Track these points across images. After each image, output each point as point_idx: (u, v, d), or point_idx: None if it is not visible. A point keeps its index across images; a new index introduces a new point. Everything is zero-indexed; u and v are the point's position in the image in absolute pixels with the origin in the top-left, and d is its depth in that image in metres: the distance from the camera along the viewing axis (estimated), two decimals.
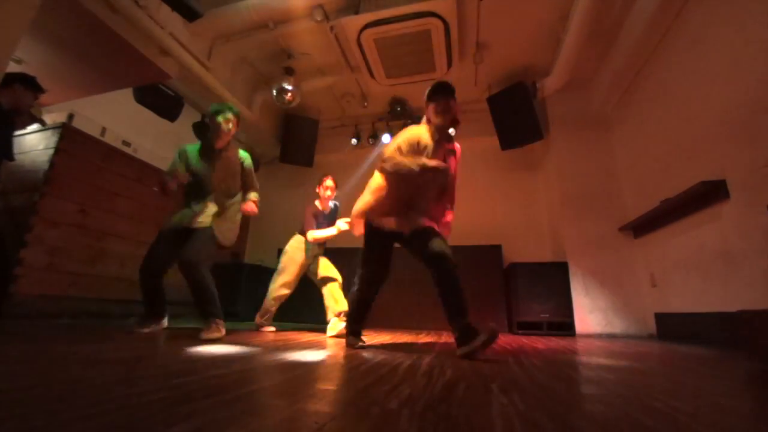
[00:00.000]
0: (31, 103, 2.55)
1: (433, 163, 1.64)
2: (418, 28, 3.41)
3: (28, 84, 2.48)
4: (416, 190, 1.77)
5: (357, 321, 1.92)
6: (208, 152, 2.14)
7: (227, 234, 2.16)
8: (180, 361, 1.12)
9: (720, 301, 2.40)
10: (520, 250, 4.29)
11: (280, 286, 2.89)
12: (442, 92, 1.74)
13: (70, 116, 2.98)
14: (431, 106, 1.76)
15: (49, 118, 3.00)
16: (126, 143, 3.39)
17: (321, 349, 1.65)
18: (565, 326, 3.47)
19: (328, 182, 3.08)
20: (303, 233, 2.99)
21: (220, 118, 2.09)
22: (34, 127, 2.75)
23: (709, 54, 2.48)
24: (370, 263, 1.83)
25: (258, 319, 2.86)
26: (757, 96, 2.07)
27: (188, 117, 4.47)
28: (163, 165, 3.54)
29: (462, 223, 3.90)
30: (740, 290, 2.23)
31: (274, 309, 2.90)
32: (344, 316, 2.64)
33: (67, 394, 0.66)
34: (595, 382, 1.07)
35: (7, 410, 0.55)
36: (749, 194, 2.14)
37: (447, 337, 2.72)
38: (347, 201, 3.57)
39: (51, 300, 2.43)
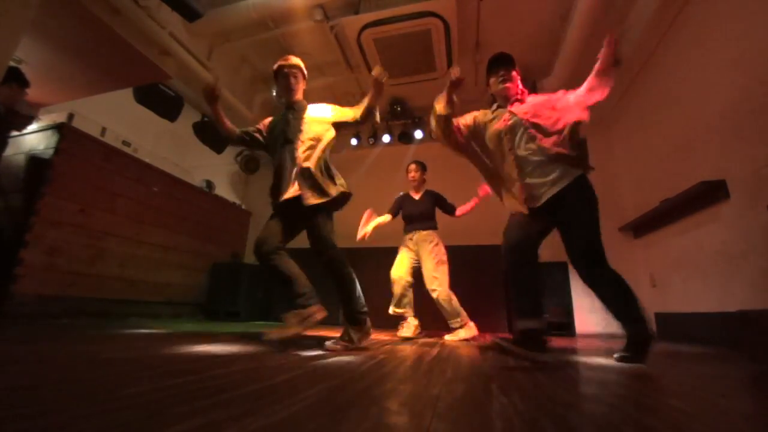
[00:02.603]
0: (22, 98, 2.57)
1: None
2: (418, 28, 3.41)
3: (21, 80, 2.50)
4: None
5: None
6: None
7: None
8: (180, 361, 1.12)
9: (720, 301, 2.40)
10: None
11: None
12: (501, 62, 1.77)
13: (70, 116, 2.98)
14: (491, 79, 1.78)
15: (49, 118, 3.00)
16: (126, 143, 3.40)
17: (321, 349, 1.65)
18: (565, 326, 3.47)
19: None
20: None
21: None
22: (34, 126, 2.75)
23: (709, 54, 2.48)
24: None
25: None
26: (757, 96, 2.07)
27: (188, 117, 4.47)
28: (163, 165, 3.54)
29: (462, 223, 3.90)
30: (740, 290, 2.23)
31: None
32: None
33: (66, 395, 0.66)
34: (595, 382, 1.07)
35: (7, 410, 0.55)
36: (749, 194, 2.14)
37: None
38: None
39: (51, 300, 2.43)
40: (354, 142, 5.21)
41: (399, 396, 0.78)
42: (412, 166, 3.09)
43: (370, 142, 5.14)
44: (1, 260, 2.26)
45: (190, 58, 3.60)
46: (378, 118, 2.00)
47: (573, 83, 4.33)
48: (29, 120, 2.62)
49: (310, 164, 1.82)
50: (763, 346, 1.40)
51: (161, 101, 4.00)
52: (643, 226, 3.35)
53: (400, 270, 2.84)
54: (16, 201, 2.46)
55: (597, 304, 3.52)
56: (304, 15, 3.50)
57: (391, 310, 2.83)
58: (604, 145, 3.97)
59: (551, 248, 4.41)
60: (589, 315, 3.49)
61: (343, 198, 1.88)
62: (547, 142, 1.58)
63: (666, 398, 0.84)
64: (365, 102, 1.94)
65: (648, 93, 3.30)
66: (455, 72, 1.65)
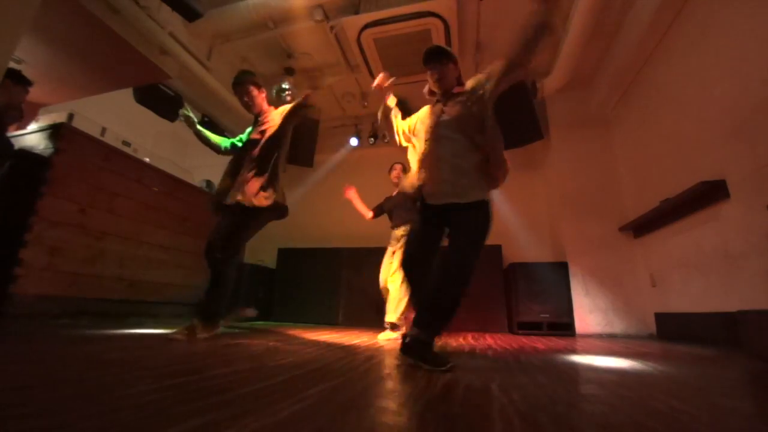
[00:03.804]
0: (22, 98, 2.57)
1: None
2: (418, 27, 3.41)
3: (18, 79, 2.51)
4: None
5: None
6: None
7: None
8: (180, 361, 1.12)
9: (720, 301, 2.40)
10: (520, 250, 4.29)
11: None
12: (431, 58, 1.65)
13: (70, 116, 2.98)
14: (428, 74, 1.69)
15: (49, 118, 3.00)
16: (126, 143, 3.40)
17: (321, 350, 1.65)
18: (565, 326, 3.47)
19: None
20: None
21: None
22: (34, 126, 2.75)
23: (709, 54, 2.48)
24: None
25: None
26: (757, 96, 2.07)
27: None
28: (163, 165, 3.54)
29: None
30: (740, 290, 2.23)
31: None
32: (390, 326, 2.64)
33: (67, 395, 0.66)
34: (595, 382, 1.07)
35: (7, 410, 0.55)
36: (749, 194, 2.14)
37: (446, 338, 2.72)
38: (347, 201, 3.56)
39: (51, 300, 2.43)
40: (354, 142, 5.21)
41: (399, 396, 0.78)
42: (398, 166, 3.12)
43: (370, 142, 5.14)
44: (1, 260, 2.26)
45: (190, 58, 3.60)
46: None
47: (573, 83, 4.33)
48: (20, 112, 2.62)
49: (255, 174, 2.02)
50: (762, 346, 1.40)
51: (161, 101, 4.01)
52: (643, 226, 3.35)
53: (383, 273, 2.85)
54: (16, 201, 2.46)
55: (597, 303, 3.54)
56: (304, 15, 3.50)
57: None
58: (604, 145, 3.97)
59: (551, 248, 4.43)
60: (589, 315, 3.49)
61: (274, 209, 2.08)
62: (465, 145, 1.53)
63: (666, 398, 0.84)
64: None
65: (648, 93, 3.29)
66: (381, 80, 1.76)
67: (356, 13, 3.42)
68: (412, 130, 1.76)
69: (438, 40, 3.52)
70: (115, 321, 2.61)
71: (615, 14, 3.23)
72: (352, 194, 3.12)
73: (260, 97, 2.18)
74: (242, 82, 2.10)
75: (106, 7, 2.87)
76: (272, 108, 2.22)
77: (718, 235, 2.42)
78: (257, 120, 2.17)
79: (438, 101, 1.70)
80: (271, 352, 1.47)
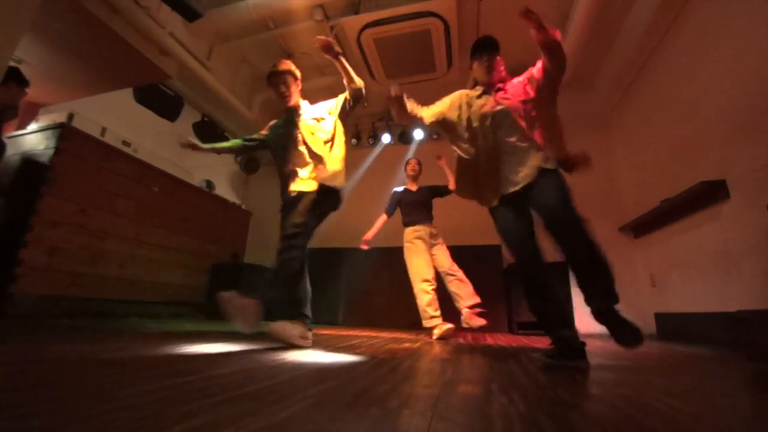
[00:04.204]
0: (20, 98, 2.58)
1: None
2: (418, 28, 3.41)
3: (19, 79, 2.51)
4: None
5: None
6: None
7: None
8: (180, 361, 1.12)
9: (720, 301, 2.40)
10: None
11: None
12: (485, 48, 1.64)
13: (70, 116, 2.98)
14: (475, 64, 1.68)
15: (49, 118, 3.00)
16: (126, 143, 3.40)
17: (320, 350, 1.65)
18: None
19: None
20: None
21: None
22: (34, 126, 2.75)
23: (709, 54, 2.48)
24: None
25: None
26: (757, 96, 2.07)
27: (188, 117, 4.47)
28: (163, 165, 3.54)
29: (461, 223, 3.91)
30: (740, 290, 2.23)
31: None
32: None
33: (66, 395, 0.66)
34: (595, 382, 1.07)
35: (7, 410, 0.55)
36: (749, 194, 2.14)
37: (446, 338, 2.71)
38: (347, 201, 3.56)
39: (51, 300, 2.43)
40: (354, 142, 5.21)
41: (399, 396, 0.78)
42: (414, 161, 3.12)
43: (370, 142, 5.14)
44: (1, 260, 2.26)
45: (190, 58, 3.60)
46: (362, 91, 2.03)
47: (573, 83, 4.33)
48: (15, 111, 2.63)
49: (304, 170, 1.88)
50: (762, 346, 1.40)
51: (161, 101, 4.01)
52: (643, 226, 3.35)
53: (430, 269, 2.80)
54: (16, 201, 2.46)
55: None
56: (304, 15, 3.50)
57: (439, 320, 2.69)
58: (604, 145, 3.97)
59: (551, 248, 4.41)
60: (590, 315, 3.48)
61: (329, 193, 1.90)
62: (526, 131, 1.55)
63: (666, 398, 0.84)
64: (345, 82, 1.98)
65: (648, 93, 3.30)
66: (395, 90, 1.73)
67: (356, 13, 3.42)
68: (445, 113, 1.77)
69: (438, 40, 3.52)
70: (115, 321, 2.61)
71: (615, 14, 3.24)
72: (366, 242, 3.10)
73: (296, 89, 2.07)
74: (281, 72, 2.00)
75: (105, 7, 2.87)
76: (306, 101, 2.12)
77: (718, 235, 2.42)
78: (293, 111, 2.05)
79: (484, 92, 1.68)
80: (271, 352, 1.47)
